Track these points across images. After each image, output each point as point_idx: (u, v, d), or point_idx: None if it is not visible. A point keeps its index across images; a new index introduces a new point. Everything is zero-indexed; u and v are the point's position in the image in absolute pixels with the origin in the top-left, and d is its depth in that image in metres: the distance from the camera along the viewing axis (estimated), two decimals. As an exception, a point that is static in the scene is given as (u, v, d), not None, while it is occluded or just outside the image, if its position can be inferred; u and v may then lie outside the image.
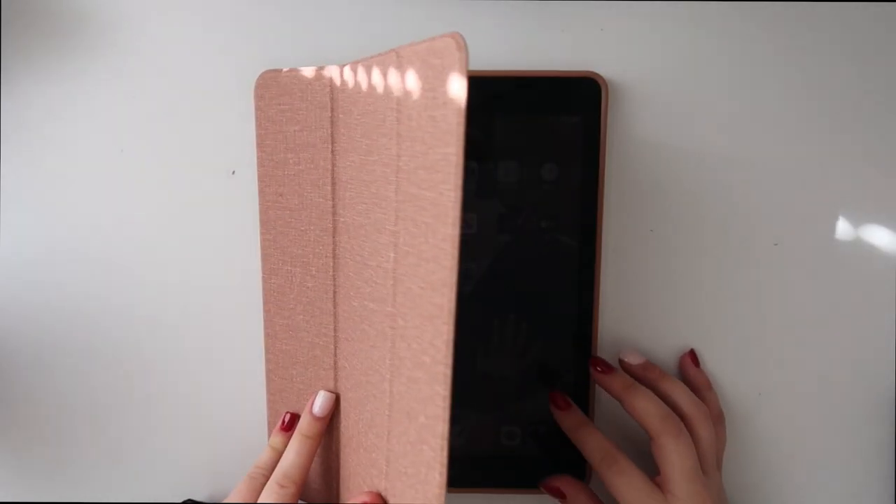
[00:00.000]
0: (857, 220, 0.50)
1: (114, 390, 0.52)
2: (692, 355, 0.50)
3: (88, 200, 0.50)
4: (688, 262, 0.50)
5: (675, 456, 0.43)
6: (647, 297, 0.51)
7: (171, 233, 0.50)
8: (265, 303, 0.48)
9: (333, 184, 0.45)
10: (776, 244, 0.50)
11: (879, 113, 0.49)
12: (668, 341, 0.51)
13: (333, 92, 0.45)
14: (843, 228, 0.50)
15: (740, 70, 0.49)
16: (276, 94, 0.46)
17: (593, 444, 0.45)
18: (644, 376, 0.47)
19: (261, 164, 0.47)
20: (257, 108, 0.47)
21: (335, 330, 0.47)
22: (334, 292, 0.46)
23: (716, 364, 0.51)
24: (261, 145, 0.47)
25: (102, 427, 0.52)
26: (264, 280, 0.48)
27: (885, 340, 0.51)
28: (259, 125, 0.47)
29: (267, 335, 0.49)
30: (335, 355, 0.47)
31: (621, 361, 0.49)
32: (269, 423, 0.50)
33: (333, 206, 0.46)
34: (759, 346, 0.51)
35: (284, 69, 0.47)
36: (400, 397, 0.37)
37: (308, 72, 0.46)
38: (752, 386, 0.51)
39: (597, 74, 0.47)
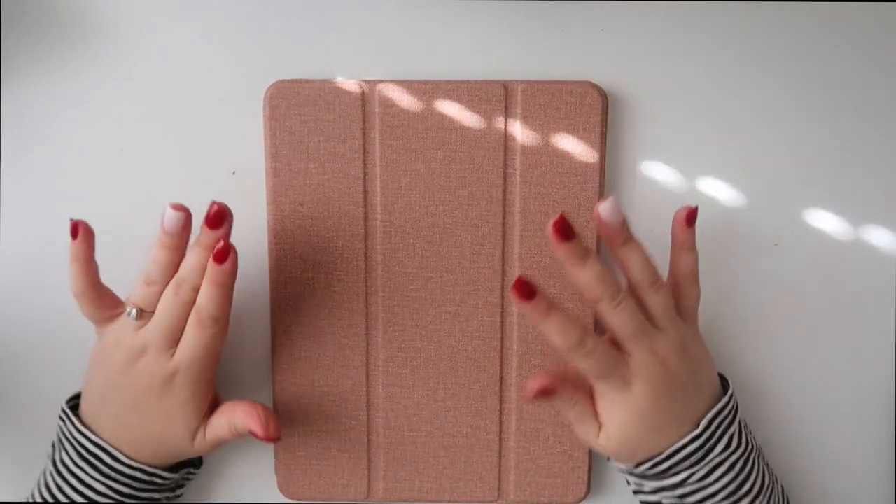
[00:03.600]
0: (857, 220, 0.51)
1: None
2: (690, 214, 0.48)
3: (88, 200, 0.51)
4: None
5: (614, 321, 0.46)
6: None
7: (172, 233, 0.50)
8: (276, 313, 0.51)
9: (365, 191, 0.49)
10: (776, 244, 0.51)
11: (879, 113, 0.50)
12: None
13: (366, 104, 0.48)
14: (843, 228, 0.51)
15: (740, 70, 0.50)
16: (296, 105, 0.49)
17: (559, 331, 0.46)
18: (608, 236, 0.47)
19: (274, 173, 0.49)
20: (270, 118, 0.49)
21: (367, 328, 0.50)
22: (366, 293, 0.50)
23: (715, 364, 0.51)
24: (274, 155, 0.49)
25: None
26: (276, 291, 0.51)
27: (885, 340, 0.52)
28: (272, 135, 0.49)
29: (279, 345, 0.51)
30: (367, 353, 0.51)
31: (597, 213, 0.46)
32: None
33: (365, 213, 0.49)
34: (758, 345, 0.52)
35: (302, 79, 0.49)
36: (527, 343, 0.51)
37: (335, 83, 0.49)
38: (753, 385, 0.52)
39: (594, 84, 0.49)
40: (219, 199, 0.50)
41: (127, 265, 0.51)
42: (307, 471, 0.52)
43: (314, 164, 0.49)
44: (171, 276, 0.48)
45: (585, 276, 0.45)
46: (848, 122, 0.51)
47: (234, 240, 0.51)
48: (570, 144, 0.49)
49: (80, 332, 0.52)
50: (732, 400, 0.48)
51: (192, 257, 0.47)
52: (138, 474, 0.47)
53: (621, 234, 0.46)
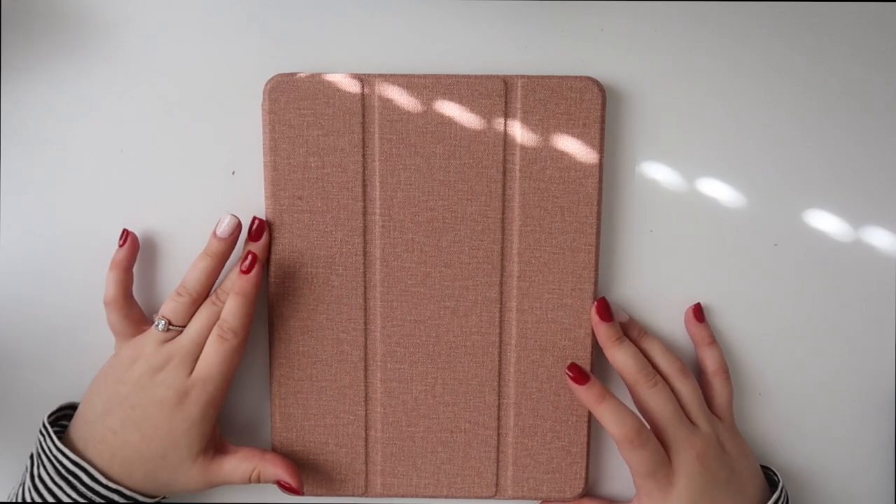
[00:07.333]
0: (857, 220, 0.51)
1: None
2: (696, 310, 0.51)
3: (88, 200, 0.51)
4: (687, 263, 0.51)
5: (651, 404, 0.48)
6: (645, 298, 0.51)
7: (171, 232, 0.52)
8: (274, 307, 0.51)
9: (364, 186, 0.49)
10: (776, 244, 0.51)
11: (880, 114, 0.50)
12: (668, 341, 0.52)
13: (365, 99, 0.49)
14: (843, 229, 0.51)
15: (742, 69, 0.50)
16: (295, 99, 0.49)
17: (613, 418, 0.48)
18: (626, 334, 0.50)
19: (273, 167, 0.49)
20: (270, 112, 0.49)
21: (365, 323, 0.51)
22: (365, 287, 0.50)
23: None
24: (274, 149, 0.49)
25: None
26: (274, 285, 0.51)
27: (885, 340, 0.52)
28: (272, 129, 0.49)
29: (277, 339, 0.52)
30: (365, 348, 0.51)
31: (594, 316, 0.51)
32: (273, 426, 0.52)
33: (364, 207, 0.49)
34: (758, 346, 0.52)
35: (302, 73, 0.49)
36: (526, 338, 0.51)
37: (334, 77, 0.49)
38: (752, 386, 0.52)
39: (594, 79, 0.49)
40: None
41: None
42: (305, 466, 0.52)
43: (313, 158, 0.49)
44: (205, 289, 0.49)
45: (622, 356, 0.49)
46: (848, 122, 0.51)
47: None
48: (570, 140, 0.49)
49: (80, 332, 0.52)
50: (783, 495, 0.49)
51: (235, 273, 0.49)
52: (115, 496, 0.47)
53: (633, 329, 0.51)
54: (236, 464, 0.49)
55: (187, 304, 0.49)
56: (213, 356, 0.48)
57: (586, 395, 0.48)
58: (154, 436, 0.47)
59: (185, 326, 0.49)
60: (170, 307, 0.49)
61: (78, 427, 0.49)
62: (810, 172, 0.51)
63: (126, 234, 0.50)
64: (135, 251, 0.51)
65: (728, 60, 0.50)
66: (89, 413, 0.49)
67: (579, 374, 0.49)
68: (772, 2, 0.50)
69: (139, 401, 0.48)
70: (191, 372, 0.48)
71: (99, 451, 0.48)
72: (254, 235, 0.49)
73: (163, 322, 0.48)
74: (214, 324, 0.48)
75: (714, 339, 0.51)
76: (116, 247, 0.50)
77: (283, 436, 0.52)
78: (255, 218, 0.49)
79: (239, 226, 0.49)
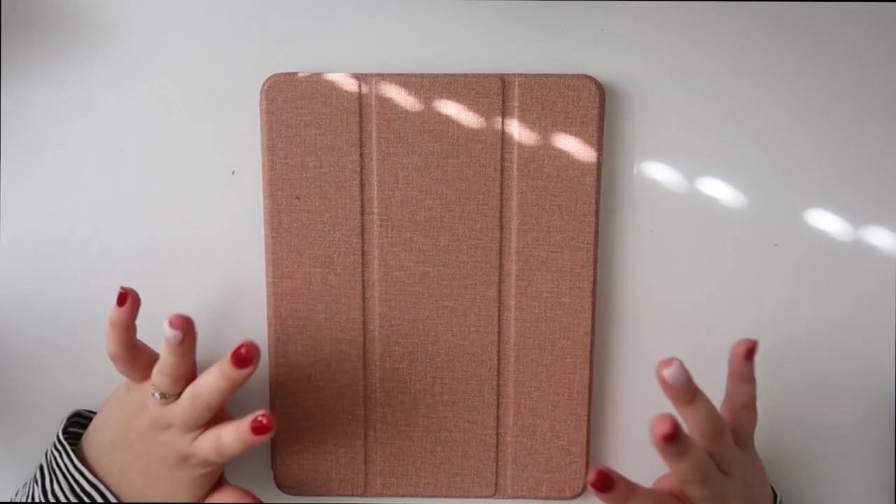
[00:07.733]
0: (857, 220, 0.51)
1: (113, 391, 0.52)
2: (749, 349, 0.46)
3: (88, 200, 0.51)
4: (687, 263, 0.51)
5: (697, 495, 0.44)
6: (645, 298, 0.51)
7: (171, 233, 0.52)
8: (273, 307, 0.51)
9: (362, 185, 0.49)
10: (776, 244, 0.51)
11: (880, 113, 0.50)
12: (667, 342, 0.51)
13: (363, 98, 0.49)
14: (843, 228, 0.51)
15: (741, 68, 0.50)
16: (293, 98, 0.49)
17: None
18: (671, 397, 0.44)
19: (271, 167, 0.49)
20: (267, 111, 0.49)
21: (364, 322, 0.51)
22: (363, 287, 0.50)
23: (715, 365, 0.52)
24: (272, 148, 0.49)
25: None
26: (273, 285, 0.51)
27: (885, 340, 0.52)
28: (269, 128, 0.49)
29: (276, 339, 0.51)
30: (363, 348, 0.51)
31: (659, 369, 0.44)
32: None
33: (362, 206, 0.49)
34: (758, 346, 0.51)
35: (300, 73, 0.49)
36: (525, 337, 0.51)
37: (331, 77, 0.49)
38: (752, 386, 0.52)
39: (591, 77, 0.49)
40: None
41: (128, 265, 0.52)
42: (304, 466, 0.52)
43: (311, 158, 0.49)
44: (184, 371, 0.46)
45: (683, 467, 0.43)
46: (848, 122, 0.51)
47: (231, 234, 0.51)
48: (568, 138, 0.49)
49: (80, 332, 0.52)
50: None
51: (213, 380, 0.45)
52: None
53: (686, 393, 0.44)
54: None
55: (173, 378, 0.46)
56: (212, 454, 0.46)
57: (612, 500, 0.43)
58: (156, 485, 0.48)
59: (179, 394, 0.47)
60: (158, 381, 0.46)
61: (89, 450, 0.49)
62: (810, 172, 0.51)
63: (126, 295, 0.45)
64: (136, 310, 0.46)
65: (728, 60, 0.50)
66: (99, 442, 0.49)
67: (605, 488, 0.43)
68: (772, 2, 0.50)
69: (143, 450, 0.48)
70: (193, 439, 0.47)
71: (106, 481, 0.48)
72: (241, 361, 0.44)
73: (158, 394, 0.46)
74: (201, 414, 0.46)
75: (754, 377, 0.47)
76: (116, 306, 0.46)
77: (283, 436, 0.52)
78: (243, 343, 0.44)
79: (187, 325, 0.44)
